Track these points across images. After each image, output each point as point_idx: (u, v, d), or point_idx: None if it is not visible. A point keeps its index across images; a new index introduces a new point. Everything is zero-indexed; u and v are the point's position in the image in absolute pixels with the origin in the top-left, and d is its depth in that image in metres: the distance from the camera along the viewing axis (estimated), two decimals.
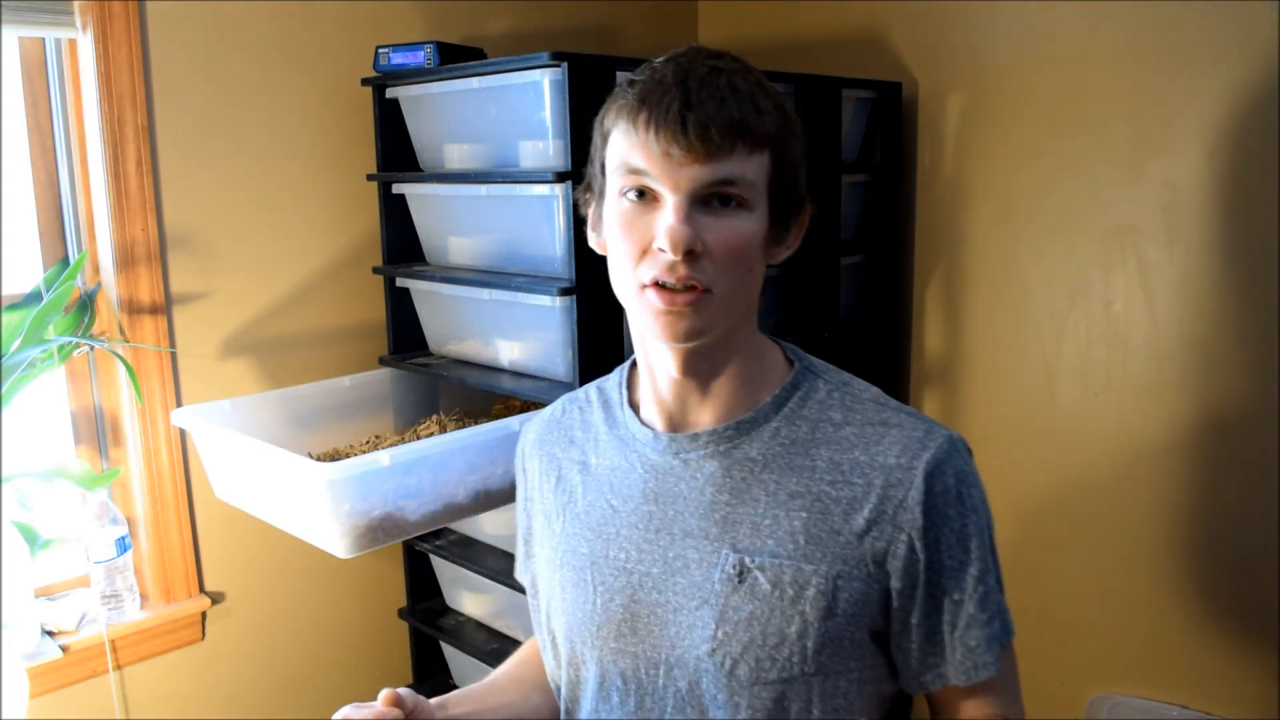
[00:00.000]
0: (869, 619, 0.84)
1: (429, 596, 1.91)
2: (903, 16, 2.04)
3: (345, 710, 0.86)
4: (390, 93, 1.74)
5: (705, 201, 0.79)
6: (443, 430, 1.70)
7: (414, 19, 1.87)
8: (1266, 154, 1.62)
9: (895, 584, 0.83)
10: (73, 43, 1.56)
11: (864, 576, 0.83)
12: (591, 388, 1.01)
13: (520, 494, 1.04)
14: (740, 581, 0.83)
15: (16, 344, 1.47)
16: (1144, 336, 1.79)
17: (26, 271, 1.61)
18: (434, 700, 0.93)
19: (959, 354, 2.07)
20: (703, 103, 0.78)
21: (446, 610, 1.89)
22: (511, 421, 1.46)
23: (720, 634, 0.83)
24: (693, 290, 0.79)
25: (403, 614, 1.91)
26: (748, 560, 0.83)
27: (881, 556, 0.83)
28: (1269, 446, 1.68)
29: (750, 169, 0.80)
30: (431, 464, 1.38)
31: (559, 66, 1.41)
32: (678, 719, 0.86)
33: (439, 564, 1.87)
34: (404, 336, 1.81)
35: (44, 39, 1.57)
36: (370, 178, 1.79)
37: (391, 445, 1.52)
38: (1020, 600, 2.10)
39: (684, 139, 0.77)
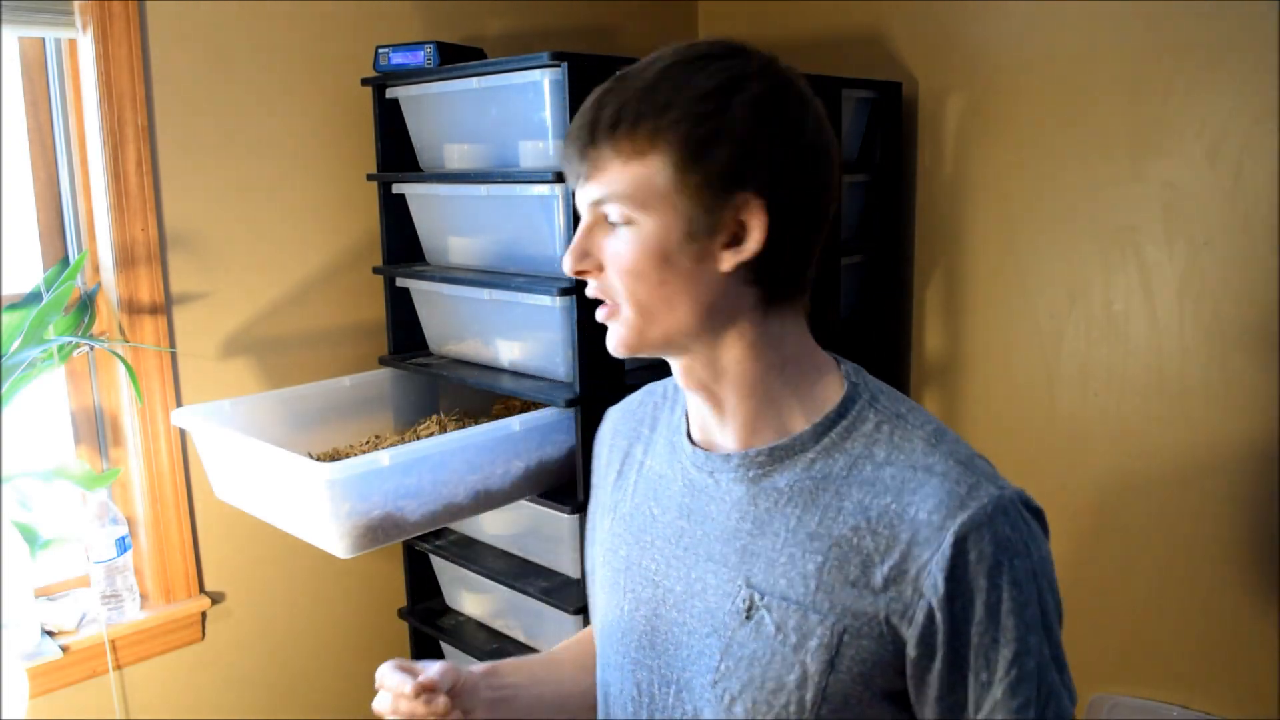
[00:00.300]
0: (881, 680, 0.76)
1: (429, 596, 1.91)
2: (903, 16, 2.04)
3: (385, 670, 0.84)
4: (390, 93, 1.74)
5: (604, 218, 0.79)
6: (443, 430, 1.70)
7: (414, 19, 1.87)
8: (1266, 154, 1.62)
9: (911, 652, 0.75)
10: (73, 43, 1.56)
11: (875, 635, 0.75)
12: (673, 380, 0.94)
13: (592, 479, 1.02)
14: (748, 618, 0.79)
15: (16, 344, 1.47)
16: (1144, 336, 1.79)
17: (26, 271, 1.61)
18: (481, 666, 0.92)
19: (959, 354, 2.07)
20: (581, 124, 0.78)
21: (446, 610, 1.89)
22: (511, 421, 1.46)
23: (723, 667, 0.80)
24: (605, 305, 0.81)
25: (403, 614, 1.91)
26: (757, 597, 0.79)
27: (898, 619, 0.74)
28: (1269, 445, 1.68)
29: (624, 182, 0.76)
30: (431, 464, 1.38)
31: (559, 66, 1.41)
32: None
33: (439, 564, 1.87)
34: (404, 336, 1.81)
35: (44, 39, 1.57)
36: (370, 178, 1.79)
37: (391, 445, 1.52)
38: None
39: (567, 165, 0.80)
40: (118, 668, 1.62)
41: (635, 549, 0.89)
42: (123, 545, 1.60)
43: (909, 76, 2.05)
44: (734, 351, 0.81)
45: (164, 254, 1.62)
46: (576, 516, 1.52)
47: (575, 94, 1.40)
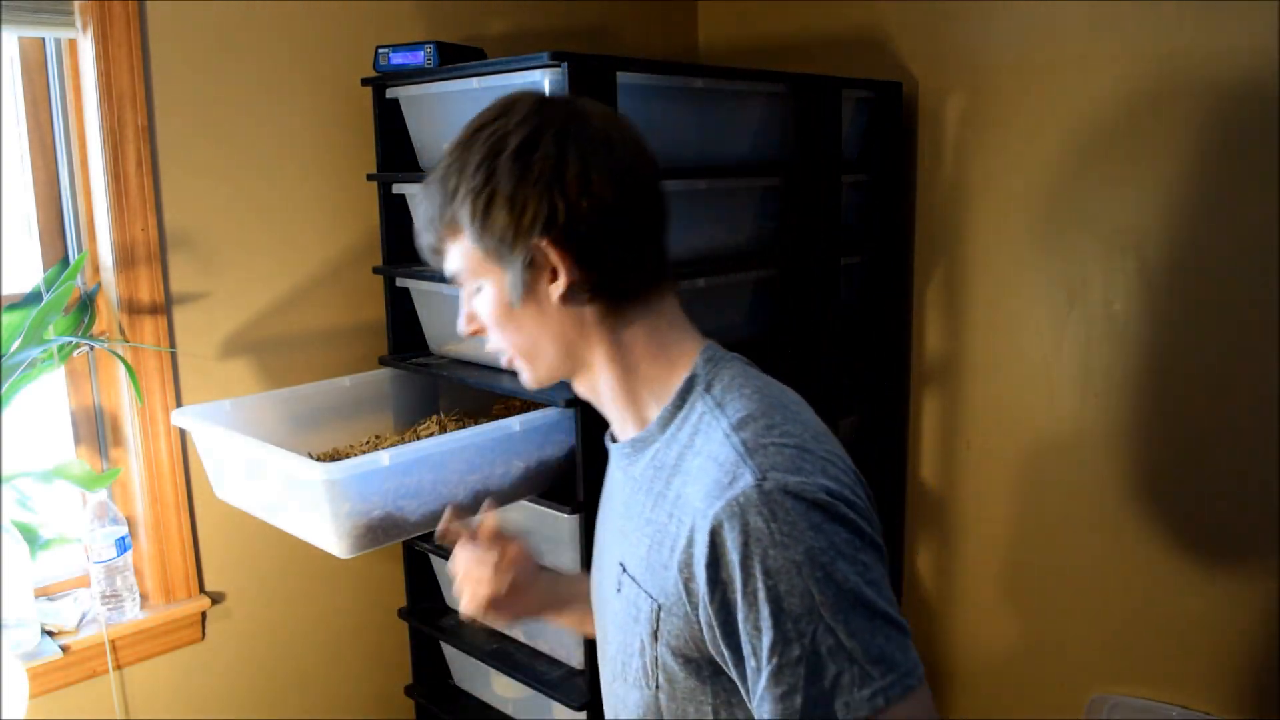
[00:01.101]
0: (697, 654, 0.82)
1: (429, 596, 1.91)
2: (903, 16, 2.04)
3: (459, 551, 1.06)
4: (390, 93, 1.74)
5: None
6: (443, 430, 1.70)
7: (414, 19, 1.87)
8: (1266, 154, 1.62)
9: (705, 633, 0.80)
10: (73, 43, 1.56)
11: (682, 615, 0.81)
12: None
13: None
14: (618, 590, 0.90)
15: (16, 344, 1.47)
16: (1144, 336, 1.79)
17: (26, 271, 1.61)
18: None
19: (959, 354, 2.07)
20: (418, 218, 0.91)
21: (446, 610, 1.89)
22: (511, 422, 1.46)
23: (610, 634, 0.93)
24: (503, 356, 0.93)
25: (403, 614, 1.91)
26: (620, 573, 0.90)
27: (690, 602, 0.80)
28: (1269, 445, 1.68)
29: (454, 259, 0.89)
30: (431, 464, 1.38)
31: (559, 66, 1.41)
32: (617, 705, 0.95)
33: (439, 564, 1.87)
34: (404, 336, 1.81)
35: (44, 39, 1.57)
36: (370, 178, 1.79)
37: (391, 445, 1.52)
38: (1020, 600, 2.11)
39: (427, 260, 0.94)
40: (118, 668, 1.62)
41: (598, 529, 1.04)
42: (123, 545, 1.60)
43: (909, 76, 2.05)
44: (599, 363, 0.90)
45: (164, 254, 1.62)
46: (577, 516, 1.52)
47: (575, 94, 1.40)
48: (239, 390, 1.70)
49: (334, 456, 1.64)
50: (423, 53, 1.63)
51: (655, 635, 0.84)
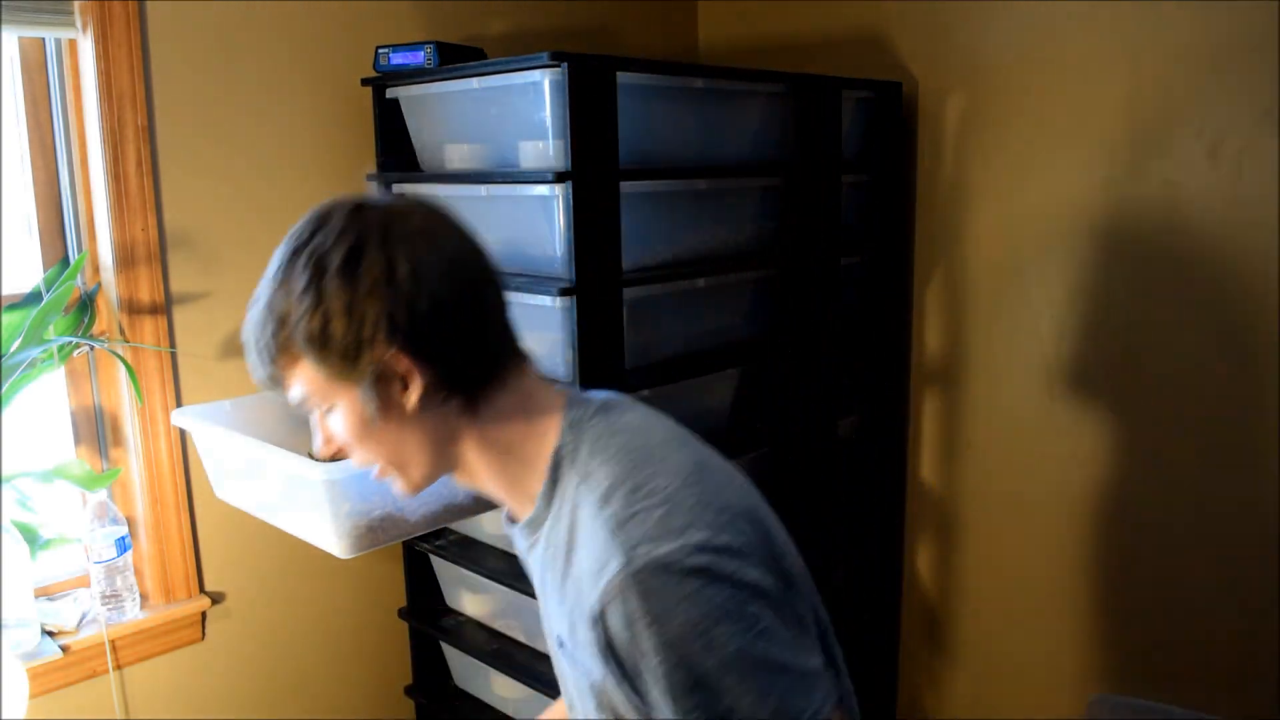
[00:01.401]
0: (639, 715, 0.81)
1: (429, 596, 1.91)
2: (903, 16, 2.04)
3: None
4: (390, 93, 1.74)
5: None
6: None
7: (414, 19, 1.87)
8: (1266, 154, 1.62)
9: (638, 712, 0.80)
10: (73, 43, 1.56)
11: (614, 686, 0.80)
12: None
13: None
14: (564, 658, 0.88)
15: (16, 344, 1.47)
16: (1144, 336, 1.79)
17: (26, 271, 1.61)
18: None
19: (959, 354, 2.07)
20: (248, 352, 0.87)
21: (446, 610, 1.89)
22: None
23: (575, 699, 0.90)
24: (372, 470, 0.90)
25: (403, 614, 1.91)
26: (559, 648, 0.89)
27: (613, 679, 0.79)
28: (1269, 446, 1.68)
29: (299, 387, 0.85)
30: None
31: (559, 66, 1.41)
32: None
33: (439, 564, 1.87)
34: None
35: (44, 39, 1.57)
36: (370, 178, 1.78)
37: None
38: (1020, 600, 2.11)
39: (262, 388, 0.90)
40: (118, 668, 1.62)
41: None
42: (123, 545, 1.60)
43: (909, 76, 2.05)
44: (473, 456, 0.88)
45: (164, 254, 1.62)
46: None
47: (575, 94, 1.40)
48: (239, 390, 1.70)
49: (334, 456, 1.64)
50: (423, 53, 1.63)
51: (602, 705, 0.83)
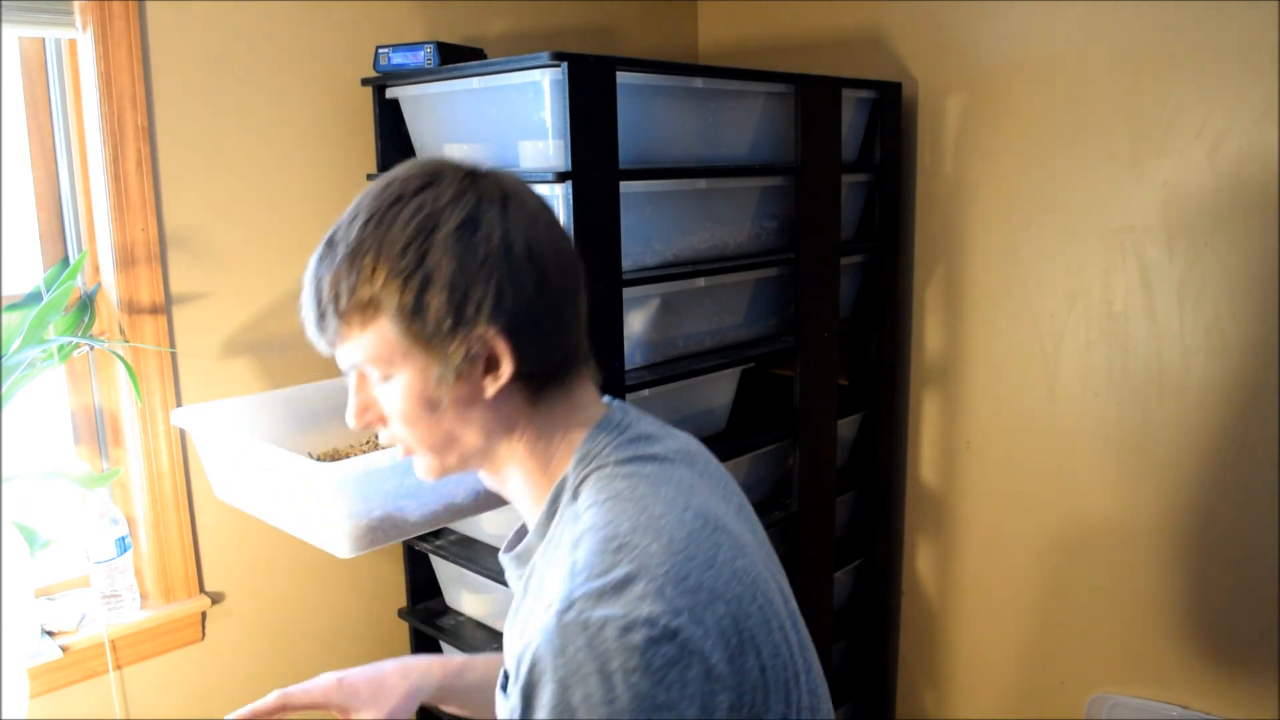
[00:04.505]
0: None
1: (429, 596, 1.91)
2: (903, 16, 2.04)
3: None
4: (390, 93, 1.74)
5: (365, 375, 0.81)
6: None
7: (414, 19, 1.87)
8: (1266, 154, 1.62)
9: None
10: (73, 43, 1.56)
11: None
12: None
13: None
14: (503, 690, 0.84)
15: (16, 344, 1.47)
16: (1144, 336, 1.79)
17: (26, 271, 1.61)
18: (459, 660, 0.98)
19: (959, 354, 2.07)
20: (306, 302, 0.80)
21: (446, 610, 1.89)
22: None
23: None
24: (399, 447, 0.84)
25: (403, 614, 1.91)
26: (503, 677, 0.85)
27: None
28: (1269, 445, 1.68)
29: (364, 351, 0.78)
30: None
31: (559, 66, 1.41)
32: None
33: (439, 564, 1.87)
34: None
35: (44, 39, 1.57)
36: (370, 178, 1.78)
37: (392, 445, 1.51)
38: (1020, 600, 2.10)
39: (309, 337, 0.82)
40: (118, 668, 1.62)
41: None
42: (123, 545, 1.60)
43: (909, 76, 2.05)
44: (513, 457, 0.83)
45: (164, 254, 1.62)
46: None
47: (575, 94, 1.40)
48: (239, 390, 1.70)
49: (334, 456, 1.64)
50: (423, 53, 1.63)
51: None
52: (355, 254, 0.76)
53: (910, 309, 2.13)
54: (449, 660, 1.04)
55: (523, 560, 0.84)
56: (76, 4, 1.52)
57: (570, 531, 0.76)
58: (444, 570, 1.87)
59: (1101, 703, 1.91)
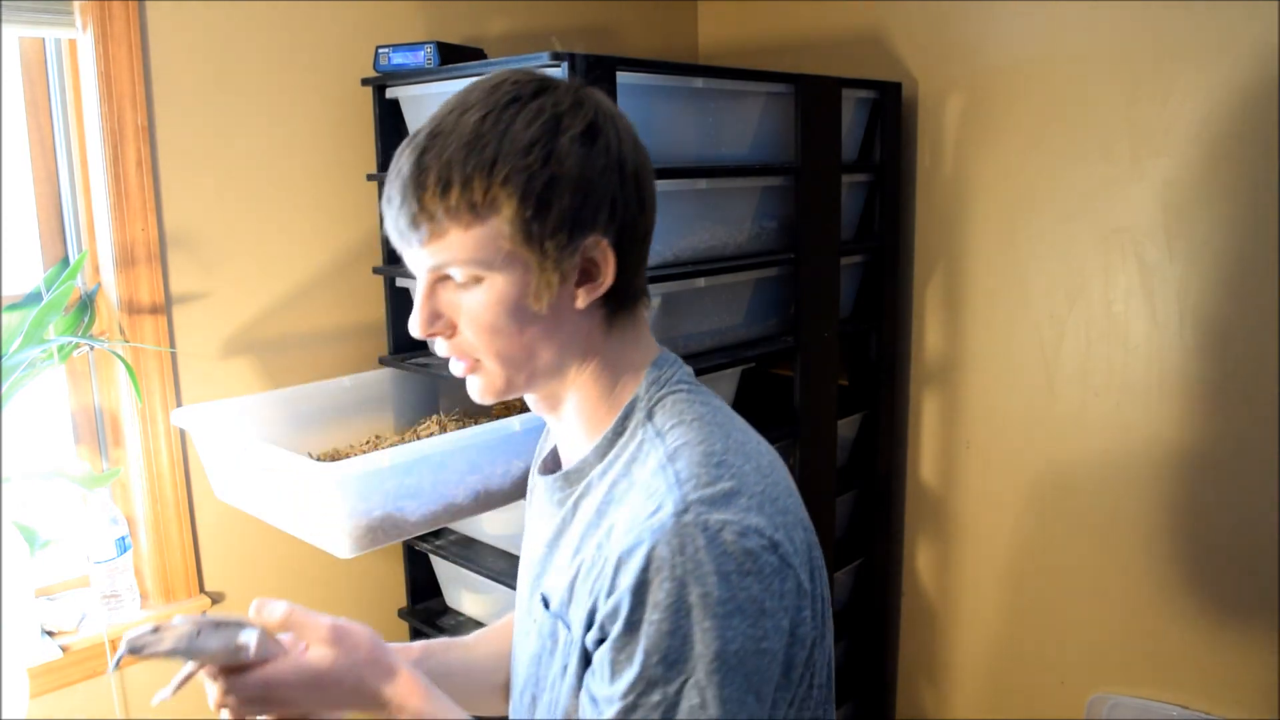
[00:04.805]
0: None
1: (429, 596, 1.91)
2: (903, 16, 2.04)
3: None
4: (390, 93, 1.74)
5: (447, 279, 0.77)
6: (443, 430, 1.70)
7: (414, 19, 1.87)
8: (1266, 154, 1.62)
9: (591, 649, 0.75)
10: (73, 43, 1.56)
11: (590, 645, 0.75)
12: None
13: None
14: (535, 622, 0.84)
15: (16, 344, 1.47)
16: (1144, 336, 1.79)
17: (26, 271, 1.61)
18: (421, 645, 0.96)
19: (959, 354, 2.07)
20: (405, 192, 0.75)
21: (446, 610, 1.89)
22: (511, 421, 1.46)
23: (522, 668, 0.87)
24: (462, 362, 0.80)
25: (403, 614, 1.91)
26: (539, 605, 0.84)
27: (592, 623, 0.74)
28: (1269, 446, 1.68)
29: (467, 247, 0.74)
30: (431, 464, 1.38)
31: (559, 66, 1.41)
32: None
33: (439, 564, 1.87)
34: (404, 336, 1.81)
35: (44, 39, 1.57)
36: (370, 178, 1.79)
37: (391, 445, 1.52)
38: (1021, 600, 2.10)
39: (394, 232, 0.77)
40: (118, 668, 1.62)
41: (520, 563, 0.96)
42: (123, 545, 1.60)
43: (909, 76, 2.05)
44: (580, 377, 0.82)
45: (164, 254, 1.62)
46: None
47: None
48: (239, 390, 1.70)
49: (334, 456, 1.64)
50: (423, 53, 1.63)
51: (567, 669, 0.78)
52: (473, 146, 0.73)
53: (910, 309, 2.13)
54: (409, 647, 1.00)
55: (572, 480, 0.83)
56: (76, 4, 1.52)
57: (653, 448, 0.77)
58: (444, 570, 1.87)
59: (1101, 703, 1.91)
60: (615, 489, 0.78)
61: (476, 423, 1.65)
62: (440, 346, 0.80)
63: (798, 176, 1.77)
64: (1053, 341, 1.91)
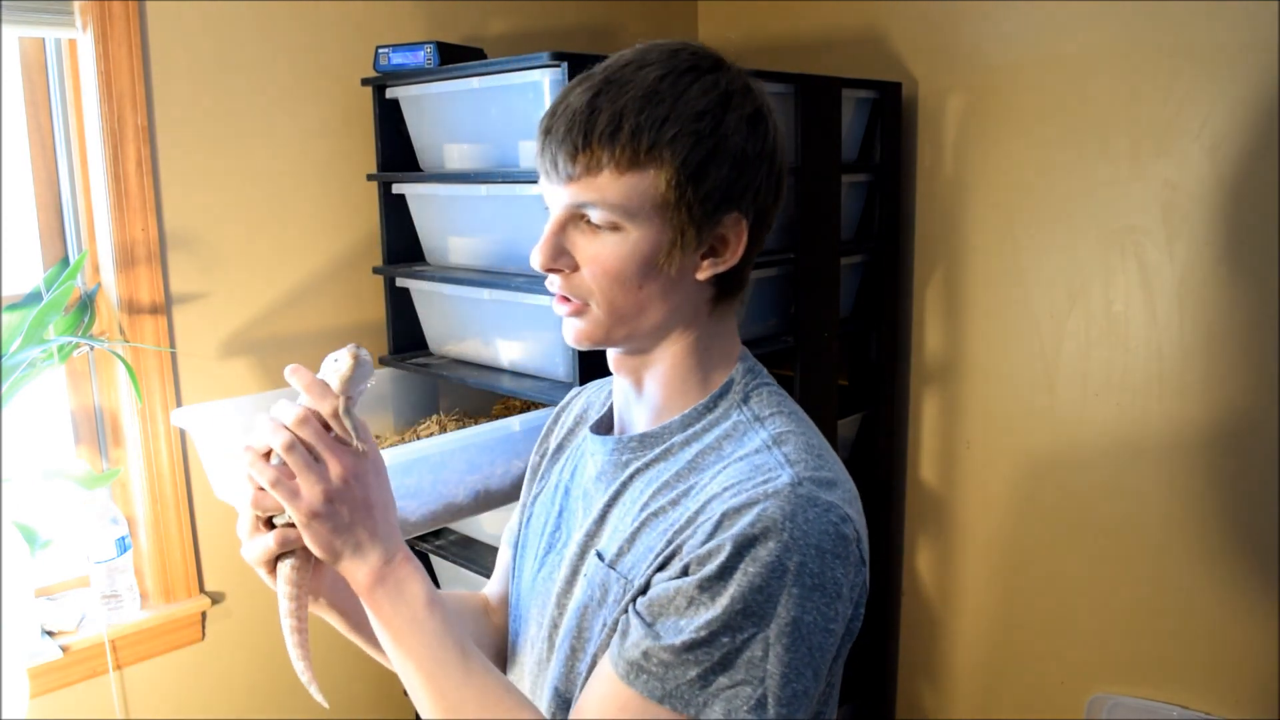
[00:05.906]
0: None
1: None
2: (903, 16, 2.04)
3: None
4: (390, 93, 1.74)
5: (582, 219, 0.79)
6: (443, 430, 1.70)
7: (414, 19, 1.87)
8: (1266, 154, 1.62)
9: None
10: (73, 43, 1.56)
11: (665, 582, 0.76)
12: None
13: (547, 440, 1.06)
14: (583, 575, 0.85)
15: (16, 344, 1.47)
16: (1144, 336, 1.79)
17: (26, 271, 1.61)
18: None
19: (959, 354, 2.07)
20: (571, 126, 0.77)
21: None
22: (511, 421, 1.46)
23: (533, 615, 0.91)
24: (569, 303, 0.82)
25: None
26: (594, 561, 0.84)
27: (664, 564, 0.76)
28: (1269, 446, 1.68)
29: (617, 192, 0.76)
30: (431, 464, 1.38)
31: (559, 66, 1.41)
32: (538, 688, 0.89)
33: (439, 564, 1.87)
34: (404, 336, 1.81)
35: (44, 39, 1.57)
36: (370, 178, 1.79)
37: (391, 445, 1.52)
38: (1021, 600, 2.10)
39: (547, 162, 0.79)
40: (118, 668, 1.62)
41: (554, 518, 0.95)
42: (123, 545, 1.60)
43: (909, 76, 2.05)
44: (675, 346, 0.84)
45: (164, 254, 1.62)
46: None
47: None
48: (239, 390, 1.70)
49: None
50: (423, 53, 1.63)
51: (617, 621, 0.79)
52: (650, 98, 0.76)
53: (910, 309, 2.13)
54: None
55: (648, 444, 0.85)
56: (76, 4, 1.52)
57: (752, 430, 0.81)
58: (444, 570, 1.87)
59: (1101, 703, 1.91)
60: (702, 458, 0.81)
61: (476, 423, 1.65)
62: (552, 282, 0.82)
63: (798, 176, 1.77)
64: (1053, 341, 1.91)
